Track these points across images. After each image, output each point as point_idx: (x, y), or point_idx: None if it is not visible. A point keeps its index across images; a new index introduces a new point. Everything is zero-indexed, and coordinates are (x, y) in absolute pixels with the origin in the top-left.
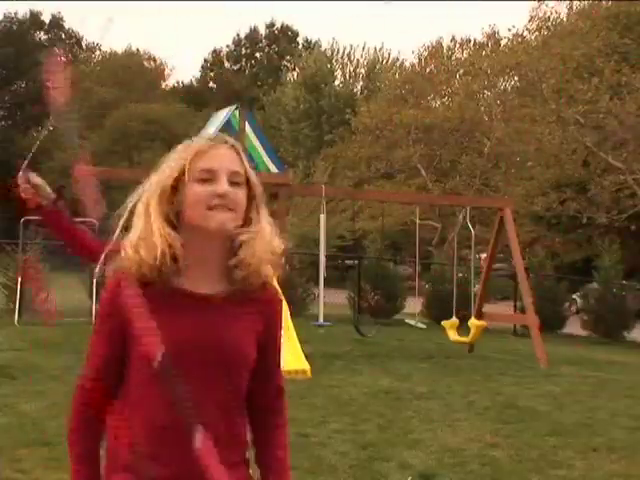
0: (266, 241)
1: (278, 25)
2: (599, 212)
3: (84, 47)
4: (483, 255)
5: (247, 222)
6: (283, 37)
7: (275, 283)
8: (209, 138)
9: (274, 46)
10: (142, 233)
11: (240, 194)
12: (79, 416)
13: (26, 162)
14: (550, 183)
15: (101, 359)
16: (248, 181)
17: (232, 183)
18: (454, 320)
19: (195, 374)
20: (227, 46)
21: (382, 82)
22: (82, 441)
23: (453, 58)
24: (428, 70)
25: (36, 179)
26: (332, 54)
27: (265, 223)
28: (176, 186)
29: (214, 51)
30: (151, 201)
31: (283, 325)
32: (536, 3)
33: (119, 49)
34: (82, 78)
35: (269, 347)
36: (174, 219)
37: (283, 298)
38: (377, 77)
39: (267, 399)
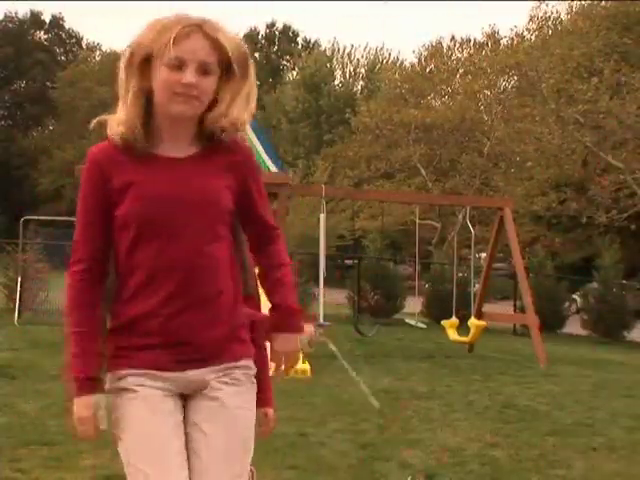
0: (230, 113)
1: (278, 25)
2: (599, 212)
3: (84, 47)
4: (483, 255)
5: (214, 103)
6: (282, 37)
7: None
8: (185, 23)
9: (273, 47)
10: (120, 110)
11: (207, 83)
12: (74, 289)
13: None
14: (550, 183)
15: (90, 240)
16: (230, 63)
17: (201, 72)
18: (454, 320)
19: (174, 228)
20: None
21: (382, 81)
22: (77, 309)
23: (453, 57)
24: (428, 70)
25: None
26: (332, 54)
27: (232, 100)
28: (149, 59)
29: None
30: (126, 78)
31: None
32: (536, 3)
33: (119, 49)
34: (82, 78)
35: (249, 194)
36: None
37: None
38: (377, 76)
39: (261, 244)
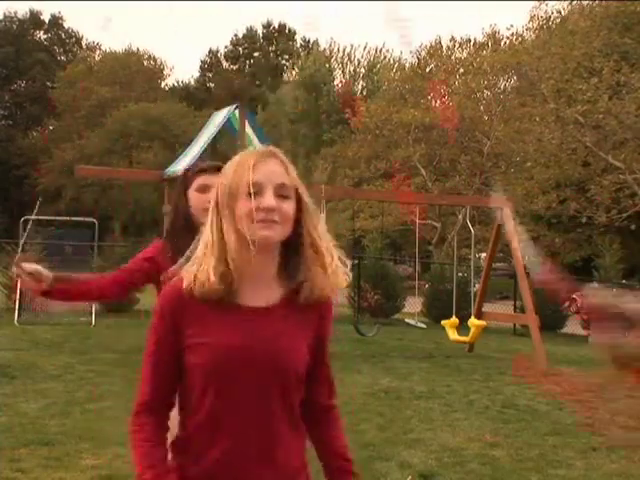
0: (325, 259)
1: (275, 24)
2: (599, 212)
3: (84, 47)
4: (483, 255)
5: (297, 234)
6: (281, 36)
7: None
8: (257, 152)
9: (272, 46)
10: (206, 261)
11: (287, 206)
12: (138, 435)
13: (18, 255)
14: (550, 183)
15: (158, 376)
16: (297, 193)
17: (279, 196)
18: (454, 319)
19: (248, 386)
20: (225, 47)
21: (382, 81)
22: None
23: (453, 57)
24: (428, 70)
25: (30, 267)
26: (331, 54)
27: (324, 241)
28: (233, 200)
29: (210, 51)
30: (214, 223)
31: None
32: (536, 2)
33: (119, 49)
34: (82, 78)
35: (319, 351)
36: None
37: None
38: (377, 76)
39: (320, 401)
